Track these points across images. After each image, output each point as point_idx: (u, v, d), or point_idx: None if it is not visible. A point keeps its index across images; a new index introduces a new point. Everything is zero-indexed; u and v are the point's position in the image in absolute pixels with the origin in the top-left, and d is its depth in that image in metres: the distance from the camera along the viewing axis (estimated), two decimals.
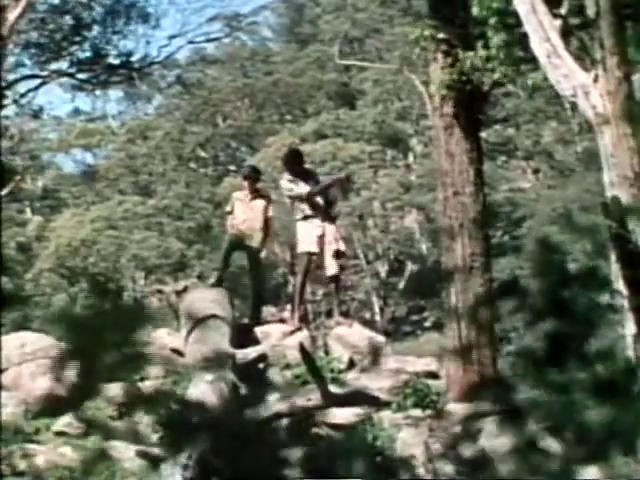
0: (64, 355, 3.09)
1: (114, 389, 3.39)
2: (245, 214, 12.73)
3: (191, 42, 22.48)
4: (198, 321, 11.29)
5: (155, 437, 4.65)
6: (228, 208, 13.13)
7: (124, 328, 3.04)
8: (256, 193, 12.80)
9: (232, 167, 47.80)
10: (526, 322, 4.69)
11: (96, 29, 20.43)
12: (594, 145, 8.57)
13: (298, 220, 12.17)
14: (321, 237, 12.08)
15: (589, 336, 4.60)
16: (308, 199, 12.09)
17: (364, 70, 46.54)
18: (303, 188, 12.12)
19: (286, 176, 12.38)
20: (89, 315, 3.06)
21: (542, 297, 4.57)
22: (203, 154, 49.68)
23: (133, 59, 20.81)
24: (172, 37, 21.58)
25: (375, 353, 12.78)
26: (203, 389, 9.15)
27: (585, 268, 4.81)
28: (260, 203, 12.74)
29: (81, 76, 20.95)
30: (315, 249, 12.06)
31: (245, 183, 12.93)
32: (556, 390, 4.55)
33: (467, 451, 5.06)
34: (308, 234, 12.08)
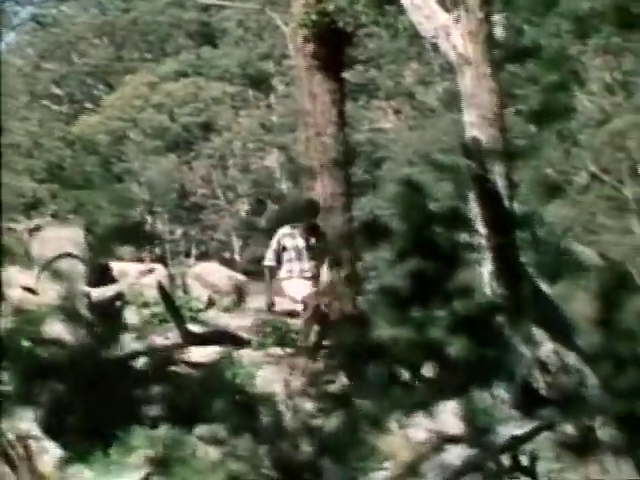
0: None
1: None
2: None
3: None
4: (52, 259, 11.03)
5: (5, 376, 4.48)
6: None
7: None
8: None
9: (88, 105, 46.60)
10: (388, 261, 4.67)
11: None
12: (455, 86, 8.61)
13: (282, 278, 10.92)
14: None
15: (451, 275, 4.61)
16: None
17: (225, 9, 45.83)
18: (293, 242, 10.92)
19: (288, 227, 11.11)
20: None
21: (405, 237, 4.56)
22: (57, 91, 48.26)
23: None
24: None
25: (240, 293, 12.71)
26: (57, 328, 8.92)
27: (447, 208, 4.81)
28: None
29: None
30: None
31: None
32: (416, 327, 4.56)
33: (327, 388, 5.04)
34: (294, 290, 10.79)
